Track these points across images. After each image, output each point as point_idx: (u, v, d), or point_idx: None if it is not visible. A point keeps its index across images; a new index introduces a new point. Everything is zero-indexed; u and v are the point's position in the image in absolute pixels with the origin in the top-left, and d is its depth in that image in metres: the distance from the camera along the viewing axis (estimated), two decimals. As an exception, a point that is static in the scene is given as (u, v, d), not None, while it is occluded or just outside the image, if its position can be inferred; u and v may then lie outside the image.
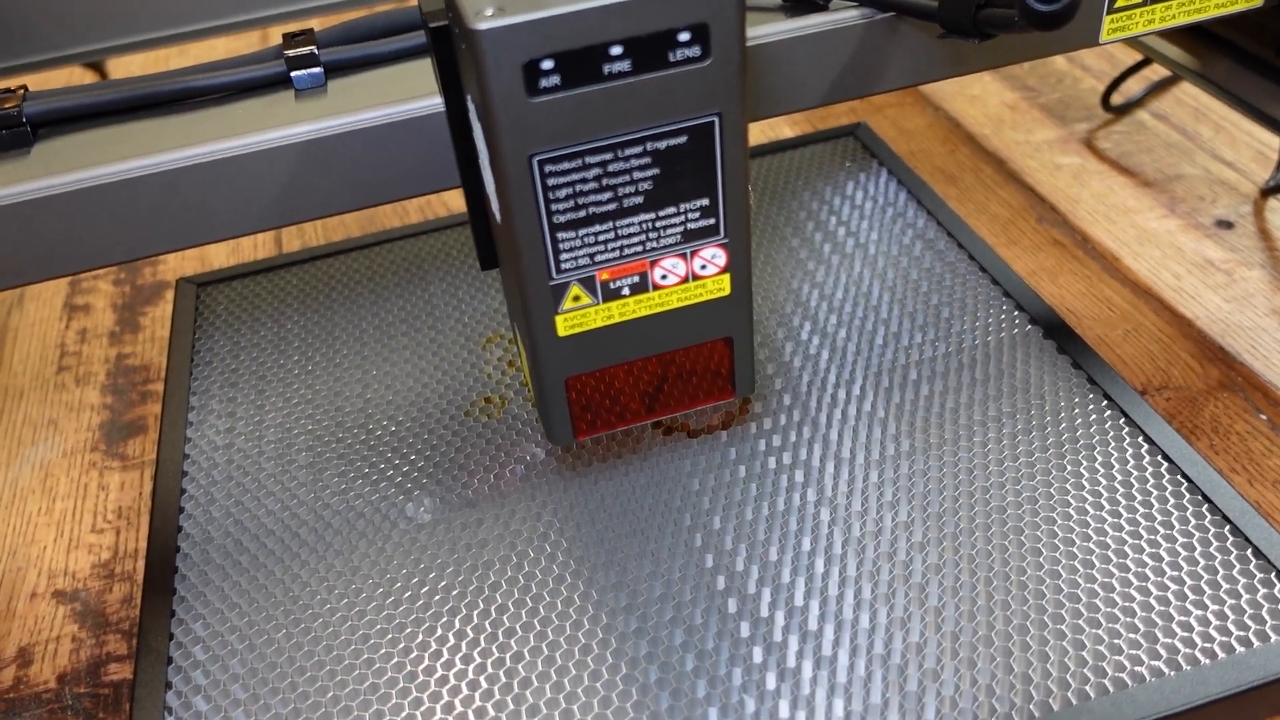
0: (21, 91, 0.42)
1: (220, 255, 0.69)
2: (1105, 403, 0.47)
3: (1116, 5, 0.46)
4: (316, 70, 0.42)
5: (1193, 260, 0.59)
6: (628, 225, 0.36)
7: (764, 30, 0.43)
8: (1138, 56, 0.71)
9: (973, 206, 0.66)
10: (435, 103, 0.40)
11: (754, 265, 0.58)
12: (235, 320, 0.58)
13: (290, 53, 0.42)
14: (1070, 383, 0.48)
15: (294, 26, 0.82)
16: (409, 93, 0.41)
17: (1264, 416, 0.50)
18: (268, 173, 0.41)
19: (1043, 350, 0.50)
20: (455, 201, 0.71)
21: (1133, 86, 0.74)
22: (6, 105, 0.41)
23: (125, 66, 0.84)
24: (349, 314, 0.57)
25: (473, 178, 0.40)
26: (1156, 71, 0.74)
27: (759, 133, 0.75)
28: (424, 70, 0.42)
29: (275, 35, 0.91)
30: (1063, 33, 0.47)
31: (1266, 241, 0.60)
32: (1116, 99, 0.73)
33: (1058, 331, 0.51)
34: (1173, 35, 0.60)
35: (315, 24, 0.64)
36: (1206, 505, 0.42)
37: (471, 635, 0.40)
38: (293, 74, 0.42)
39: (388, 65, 0.43)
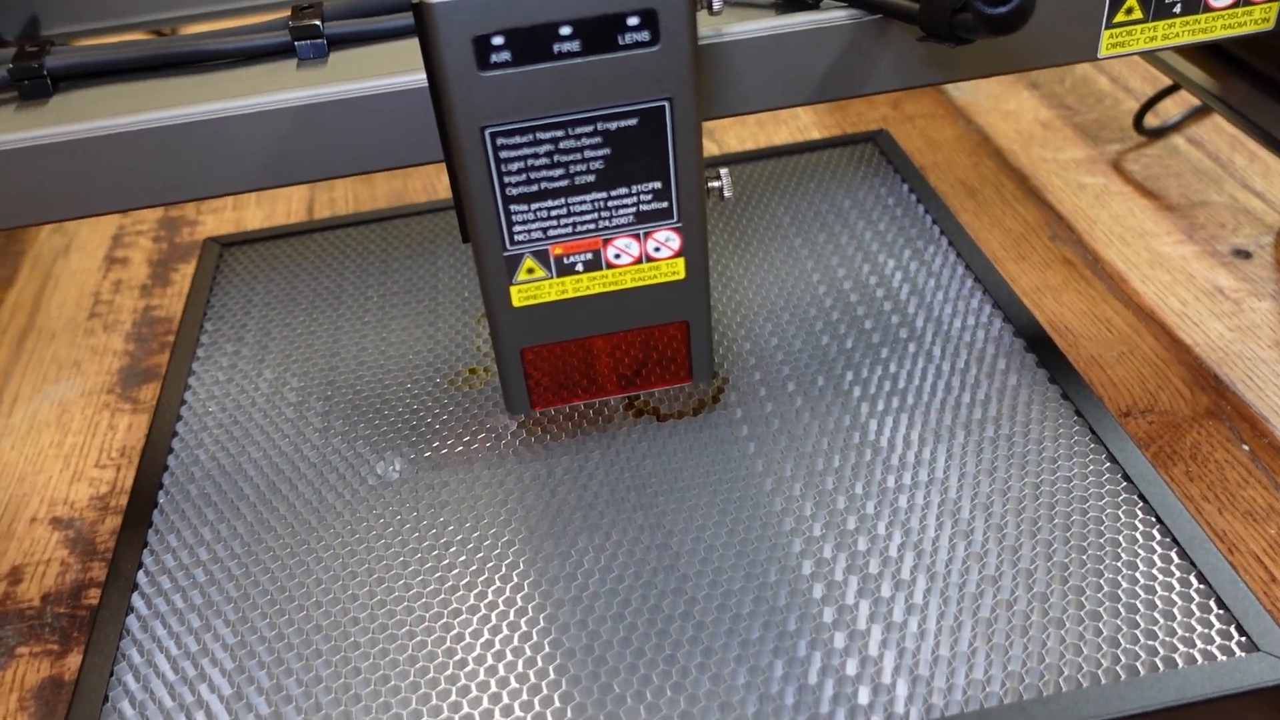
0: (46, 46, 0.44)
1: (255, 220, 0.72)
2: (1075, 418, 0.47)
3: (1115, 20, 0.46)
4: (319, 41, 0.44)
5: (1202, 287, 0.58)
6: (580, 202, 0.37)
7: (753, 26, 0.43)
8: (1176, 80, 0.70)
9: (988, 220, 0.65)
10: (422, 78, 0.42)
11: (752, 262, 0.59)
12: (252, 279, 0.60)
13: (295, 24, 0.44)
14: (1045, 397, 0.48)
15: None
16: (403, 67, 0.43)
17: (1246, 448, 0.49)
18: (263, 134, 0.43)
19: (1023, 365, 0.50)
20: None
21: (1172, 110, 0.72)
22: (30, 59, 0.44)
23: (192, 37, 0.88)
24: (358, 281, 0.60)
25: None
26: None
27: (788, 134, 0.75)
28: (418, 48, 0.44)
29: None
30: (1055, 45, 0.46)
31: (1283, 274, 0.59)
32: (1153, 122, 0.72)
33: (1041, 347, 0.51)
34: (1198, 57, 0.59)
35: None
36: (1158, 527, 0.42)
37: (416, 589, 0.42)
38: (296, 44, 0.44)
39: (388, 41, 0.45)
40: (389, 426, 0.50)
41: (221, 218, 0.73)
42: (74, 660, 0.45)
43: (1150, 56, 0.64)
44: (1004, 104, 0.76)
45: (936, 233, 0.59)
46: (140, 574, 0.44)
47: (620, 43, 0.34)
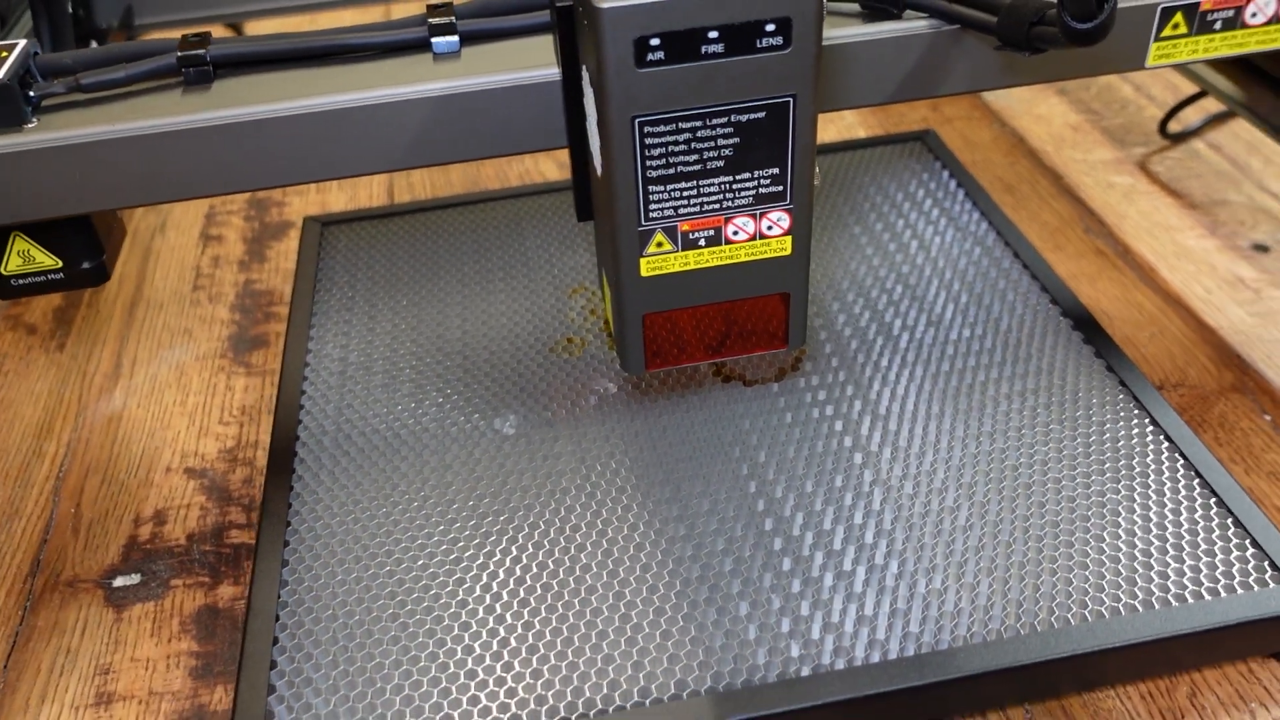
0: (208, 37, 0.49)
1: (339, 202, 0.77)
2: (1120, 388, 0.52)
3: (1163, 34, 0.52)
4: (453, 38, 0.49)
5: (1224, 277, 0.64)
6: (709, 185, 0.42)
7: (843, 32, 0.49)
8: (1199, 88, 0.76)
9: (1025, 214, 0.71)
10: (551, 73, 0.47)
11: (818, 247, 0.64)
12: (353, 256, 0.65)
13: (433, 21, 0.49)
14: (1091, 370, 0.54)
15: (415, 5, 0.90)
16: (531, 63, 0.48)
17: (1268, 417, 0.55)
18: (405, 121, 0.48)
19: (1070, 341, 0.56)
20: (551, 171, 0.78)
21: (1193, 117, 0.78)
22: (196, 48, 0.48)
23: (261, 30, 0.92)
24: (453, 259, 0.65)
25: (578, 138, 0.47)
26: (1216, 104, 0.78)
27: (835, 132, 0.81)
28: (544, 45, 0.49)
29: (397, 11, 0.99)
30: (1110, 55, 0.52)
31: (1297, 266, 0.64)
32: (1175, 127, 0.77)
33: (1085, 326, 0.56)
34: (1226, 68, 0.64)
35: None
36: (1198, 480, 0.48)
37: (542, 527, 0.47)
38: (433, 40, 0.49)
39: (515, 39, 0.50)
40: (500, 389, 0.55)
41: (306, 199, 0.78)
42: (225, 590, 0.50)
43: (1182, 67, 0.70)
44: (1035, 108, 0.82)
45: (985, 224, 0.65)
46: (290, 512, 0.49)
47: (757, 45, 0.39)
